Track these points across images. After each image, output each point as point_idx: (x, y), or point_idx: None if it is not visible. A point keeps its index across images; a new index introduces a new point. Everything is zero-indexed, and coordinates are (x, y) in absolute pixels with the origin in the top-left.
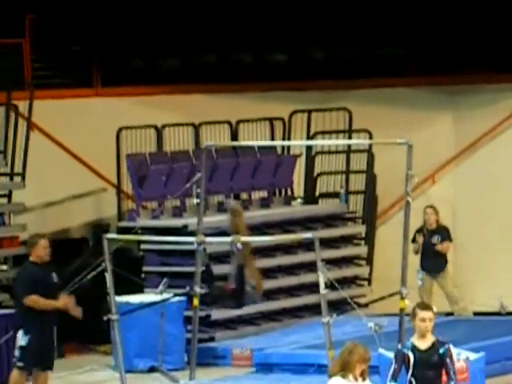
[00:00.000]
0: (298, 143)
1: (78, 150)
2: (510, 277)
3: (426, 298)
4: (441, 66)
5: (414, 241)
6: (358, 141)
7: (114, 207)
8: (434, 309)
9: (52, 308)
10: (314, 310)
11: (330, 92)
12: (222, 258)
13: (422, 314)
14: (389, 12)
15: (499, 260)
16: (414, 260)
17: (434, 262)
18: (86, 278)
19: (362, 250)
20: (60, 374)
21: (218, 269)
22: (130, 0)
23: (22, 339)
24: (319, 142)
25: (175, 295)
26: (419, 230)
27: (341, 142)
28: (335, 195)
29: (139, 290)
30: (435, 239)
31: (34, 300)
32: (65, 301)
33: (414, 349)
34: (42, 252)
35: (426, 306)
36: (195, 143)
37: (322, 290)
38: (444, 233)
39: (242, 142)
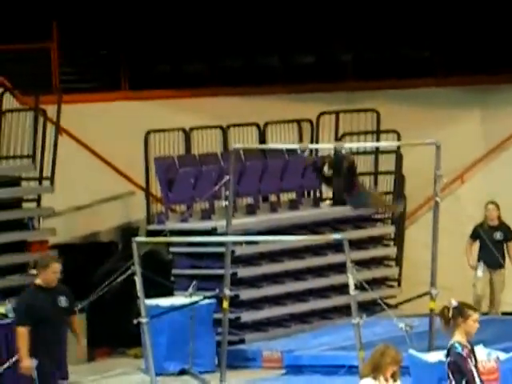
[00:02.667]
0: (326, 146)
1: (107, 154)
2: None
3: (481, 291)
4: (468, 65)
5: (472, 236)
6: (386, 142)
7: (143, 210)
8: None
9: (22, 353)
10: (344, 311)
11: (357, 93)
12: (251, 260)
13: (475, 315)
14: (415, 12)
15: None
16: (444, 260)
17: (494, 257)
18: (116, 281)
19: (392, 250)
20: (91, 377)
21: (247, 271)
22: (158, 4)
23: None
24: (347, 145)
25: (205, 298)
26: (479, 226)
27: (369, 144)
28: None
29: (169, 292)
30: (497, 235)
31: (19, 334)
32: (27, 366)
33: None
34: (50, 276)
35: (475, 308)
36: (223, 146)
37: (352, 291)
38: (506, 230)
39: (270, 144)
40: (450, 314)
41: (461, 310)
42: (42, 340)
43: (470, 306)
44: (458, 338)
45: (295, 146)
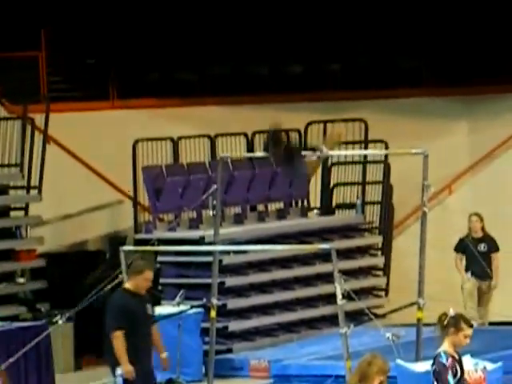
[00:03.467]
0: (313, 154)
1: (95, 163)
2: None
3: (470, 301)
4: (456, 76)
5: (456, 250)
6: (374, 151)
7: (131, 219)
8: (475, 324)
9: (122, 357)
10: (332, 320)
11: (345, 103)
12: (239, 269)
13: (468, 331)
14: (404, 23)
15: None
16: (431, 270)
17: (481, 269)
18: (104, 290)
19: (379, 260)
20: None
21: (235, 281)
22: (146, 13)
23: (120, 375)
24: (335, 153)
25: (192, 307)
26: (463, 239)
27: (356, 153)
28: (351, 206)
29: (156, 302)
30: (482, 247)
31: (117, 338)
32: (128, 370)
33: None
34: (143, 283)
35: (471, 324)
36: (211, 155)
37: (339, 300)
38: (490, 241)
39: (258, 154)
40: (445, 322)
41: (456, 321)
42: (133, 346)
43: (468, 320)
44: (446, 347)
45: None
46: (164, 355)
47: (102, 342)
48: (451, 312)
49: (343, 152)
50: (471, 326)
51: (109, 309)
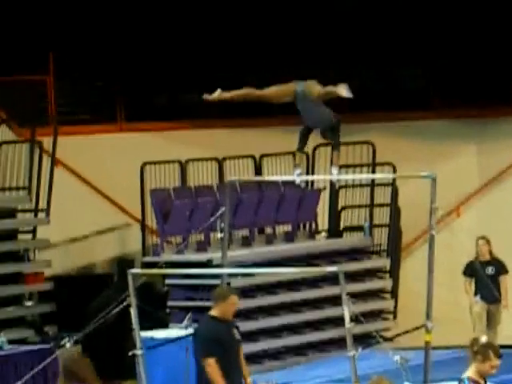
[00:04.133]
0: (321, 177)
1: (102, 186)
2: None
3: (479, 324)
4: (464, 98)
5: (464, 274)
6: (382, 175)
7: (139, 242)
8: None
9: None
10: (339, 343)
11: (353, 125)
12: (246, 292)
13: (496, 362)
14: (411, 45)
15: None
16: (439, 293)
17: (490, 292)
18: (111, 313)
19: (387, 283)
20: None
21: (243, 303)
22: (154, 36)
23: None
24: (342, 177)
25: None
26: (471, 262)
27: (364, 176)
28: (359, 229)
29: (164, 325)
30: (489, 270)
31: (210, 365)
32: None
33: None
34: (230, 308)
35: (500, 354)
36: (219, 178)
37: (347, 323)
38: (498, 264)
39: (266, 177)
40: (475, 348)
41: (485, 350)
42: (224, 373)
43: (497, 351)
44: (471, 373)
45: (291, 177)
46: (249, 381)
47: (110, 366)
48: (483, 339)
49: (351, 176)
50: (500, 356)
51: (197, 337)
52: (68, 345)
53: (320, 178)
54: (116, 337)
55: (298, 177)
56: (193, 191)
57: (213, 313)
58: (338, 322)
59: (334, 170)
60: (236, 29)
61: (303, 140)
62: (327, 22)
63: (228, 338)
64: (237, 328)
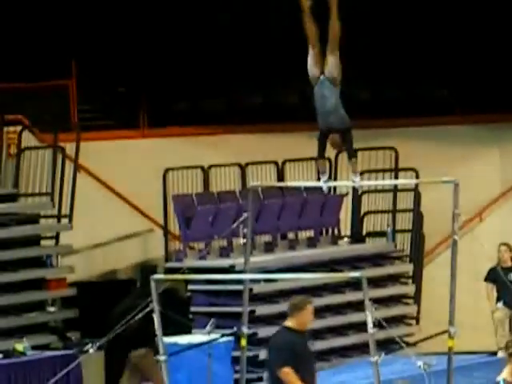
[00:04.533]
0: (346, 183)
1: (125, 191)
2: None
3: (501, 329)
4: (486, 103)
5: (486, 280)
6: (405, 181)
7: (161, 248)
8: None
9: None
10: (362, 349)
11: (375, 131)
12: (269, 298)
13: None
14: (433, 51)
15: None
16: (462, 298)
17: None
18: (134, 319)
19: (410, 288)
20: None
21: (265, 309)
22: (177, 42)
23: None
24: (366, 183)
25: (223, 335)
26: (493, 268)
27: (387, 182)
28: (382, 234)
29: (187, 330)
30: (511, 276)
31: (288, 374)
32: None
33: None
34: (307, 319)
35: None
36: (241, 183)
37: (370, 329)
38: None
39: (289, 182)
40: (510, 351)
41: None
42: None
43: None
44: (506, 374)
45: (314, 183)
46: None
47: None
48: None
49: (374, 182)
50: None
51: (272, 348)
52: (91, 350)
53: (344, 185)
54: (139, 343)
55: (324, 183)
56: (215, 197)
57: (288, 324)
58: (361, 327)
59: (355, 178)
60: (258, 36)
61: (321, 146)
62: (351, 29)
63: (304, 351)
64: (310, 338)
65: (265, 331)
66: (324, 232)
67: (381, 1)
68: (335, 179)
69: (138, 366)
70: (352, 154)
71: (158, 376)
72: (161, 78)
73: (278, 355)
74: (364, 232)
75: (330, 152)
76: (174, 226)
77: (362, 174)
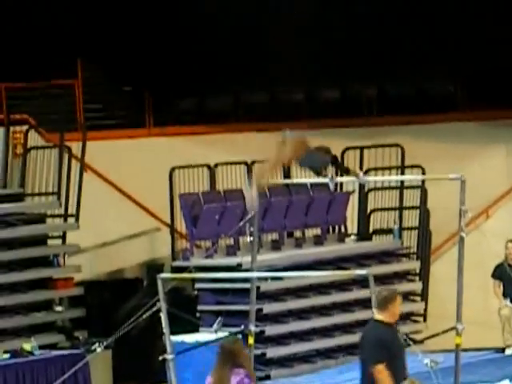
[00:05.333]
0: (352, 179)
1: (131, 190)
2: None
3: (508, 326)
4: (492, 99)
5: (493, 276)
6: (411, 176)
7: (168, 247)
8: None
9: None
10: None
11: (382, 128)
12: (276, 296)
13: None
14: (439, 48)
15: None
16: (469, 295)
17: None
18: (141, 317)
19: (417, 286)
20: None
21: (273, 307)
22: (183, 41)
23: None
24: (372, 179)
25: (230, 334)
26: (500, 265)
27: (394, 178)
28: (389, 231)
29: (194, 329)
30: None
31: (381, 372)
32: None
33: None
34: (397, 310)
35: None
36: (248, 181)
37: None
38: None
39: (295, 180)
40: None
41: None
42: (392, 379)
43: None
44: None
45: (321, 179)
46: None
47: (141, 370)
48: None
49: (380, 178)
50: None
51: (366, 343)
52: (98, 350)
53: (351, 180)
54: (146, 341)
55: (330, 181)
56: (222, 195)
57: (379, 317)
58: None
59: (362, 176)
60: (263, 34)
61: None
62: (358, 27)
63: (396, 344)
64: (399, 331)
65: (272, 329)
66: (331, 230)
67: None
68: (341, 176)
69: (230, 351)
70: (347, 172)
71: (249, 363)
72: (166, 76)
73: (371, 352)
74: (371, 229)
75: (336, 149)
76: (181, 225)
77: (368, 171)
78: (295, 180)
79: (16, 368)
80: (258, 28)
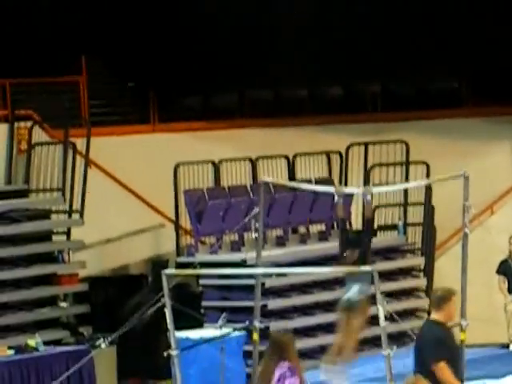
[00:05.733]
0: (355, 190)
1: (136, 187)
2: None
3: None
4: (497, 96)
5: (498, 272)
6: (415, 183)
7: (173, 243)
8: None
9: None
10: (374, 342)
11: (386, 124)
12: (281, 292)
13: None
14: (444, 45)
15: None
16: (474, 291)
17: None
18: (146, 313)
19: (421, 281)
20: None
21: (277, 303)
22: (187, 37)
23: None
24: (376, 190)
25: (235, 330)
26: (505, 261)
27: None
28: (393, 227)
29: (199, 325)
30: None
31: (444, 369)
32: None
33: None
34: (453, 309)
35: None
36: (252, 178)
37: (382, 322)
38: None
39: (300, 181)
40: None
41: None
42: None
43: None
44: None
45: (328, 188)
46: None
47: (145, 366)
48: None
49: (384, 188)
50: None
51: (426, 341)
52: (103, 345)
53: (353, 191)
54: (151, 337)
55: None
56: (226, 191)
57: (436, 317)
58: (373, 320)
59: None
60: (268, 31)
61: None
62: (361, 24)
63: (453, 344)
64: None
65: (277, 325)
66: (335, 226)
67: None
68: (346, 172)
69: (279, 344)
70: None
71: (296, 356)
72: (171, 72)
73: (432, 351)
74: (375, 225)
75: (341, 145)
76: (186, 221)
77: (372, 167)
78: (299, 176)
79: (20, 364)
80: (263, 26)
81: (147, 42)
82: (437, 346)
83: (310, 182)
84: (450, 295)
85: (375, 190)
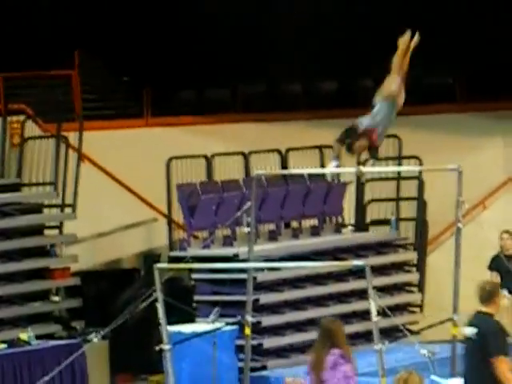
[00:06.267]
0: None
1: (129, 181)
2: None
3: (507, 318)
4: (490, 91)
5: (490, 268)
6: (408, 168)
7: (165, 237)
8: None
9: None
10: (366, 337)
11: None
12: (273, 286)
13: None
14: (437, 39)
15: None
16: (466, 286)
17: None
18: (138, 308)
19: (414, 276)
20: None
21: (269, 298)
22: (180, 31)
23: None
24: (370, 169)
25: (227, 324)
26: (496, 256)
27: (390, 169)
28: (386, 222)
29: (191, 319)
30: None
31: (503, 362)
32: None
33: None
34: (500, 303)
35: None
36: (245, 172)
37: (374, 317)
38: None
39: (292, 170)
40: None
41: None
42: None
43: None
44: None
45: (318, 170)
46: None
47: (137, 360)
48: None
49: (377, 169)
50: None
51: (489, 333)
52: (95, 340)
53: (348, 171)
54: (143, 331)
55: (336, 168)
56: (219, 186)
57: (489, 310)
58: (365, 315)
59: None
60: (261, 24)
61: (346, 137)
62: (353, 20)
63: (506, 340)
64: None
65: (269, 320)
66: (328, 220)
67: None
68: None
69: (329, 331)
70: (375, 156)
71: (346, 342)
72: (164, 67)
73: (494, 342)
74: (368, 220)
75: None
76: (178, 215)
77: (366, 161)
78: (292, 170)
79: (13, 358)
80: (256, 20)
81: (141, 37)
82: (499, 340)
83: (302, 176)
84: (498, 289)
85: (365, 169)
